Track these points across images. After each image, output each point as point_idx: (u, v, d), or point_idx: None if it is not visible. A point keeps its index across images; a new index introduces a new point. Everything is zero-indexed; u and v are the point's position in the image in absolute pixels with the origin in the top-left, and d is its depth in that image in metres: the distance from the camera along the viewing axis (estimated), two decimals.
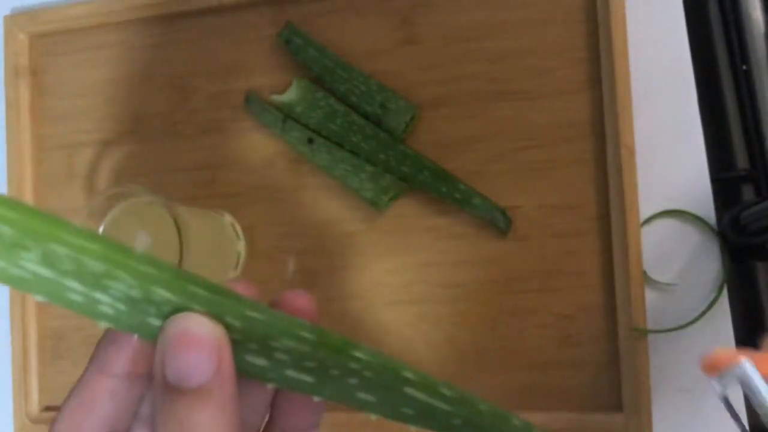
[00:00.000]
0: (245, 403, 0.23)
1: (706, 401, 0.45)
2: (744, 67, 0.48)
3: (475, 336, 0.48)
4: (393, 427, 0.24)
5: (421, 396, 0.22)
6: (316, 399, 0.22)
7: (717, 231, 0.45)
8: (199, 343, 0.20)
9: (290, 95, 0.52)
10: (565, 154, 0.48)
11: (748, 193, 0.47)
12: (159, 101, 0.56)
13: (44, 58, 0.59)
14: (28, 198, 0.58)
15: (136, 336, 0.21)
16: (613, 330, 0.46)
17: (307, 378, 0.21)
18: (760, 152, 0.47)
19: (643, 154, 0.46)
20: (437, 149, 0.50)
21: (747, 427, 0.31)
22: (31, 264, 0.19)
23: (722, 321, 0.45)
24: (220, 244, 0.51)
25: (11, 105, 0.58)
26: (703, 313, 0.45)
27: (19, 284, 0.19)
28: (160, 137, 0.56)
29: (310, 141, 0.51)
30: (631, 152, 0.46)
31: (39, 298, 0.19)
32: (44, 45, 0.59)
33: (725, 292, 0.45)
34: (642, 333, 0.44)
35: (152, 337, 0.20)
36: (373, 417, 0.22)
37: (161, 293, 0.20)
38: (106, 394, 0.22)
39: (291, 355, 0.21)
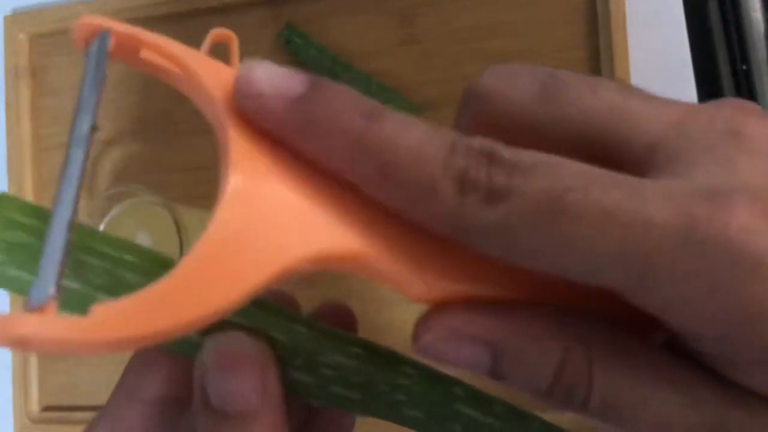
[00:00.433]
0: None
1: None
2: (744, 67, 0.48)
3: None
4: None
5: (471, 413, 0.20)
6: (360, 416, 0.20)
7: None
8: (243, 363, 0.18)
9: None
10: None
11: None
12: (159, 101, 0.56)
13: (44, 58, 0.59)
14: (29, 198, 0.58)
15: (170, 355, 0.20)
16: None
17: (354, 394, 0.20)
18: None
19: None
20: None
21: None
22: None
23: None
24: None
25: (11, 105, 0.58)
26: None
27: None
28: (160, 137, 0.55)
29: None
30: None
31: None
32: (44, 45, 0.59)
33: None
34: None
35: (190, 354, 0.19)
36: None
37: None
38: (139, 422, 0.20)
39: (338, 370, 0.20)
